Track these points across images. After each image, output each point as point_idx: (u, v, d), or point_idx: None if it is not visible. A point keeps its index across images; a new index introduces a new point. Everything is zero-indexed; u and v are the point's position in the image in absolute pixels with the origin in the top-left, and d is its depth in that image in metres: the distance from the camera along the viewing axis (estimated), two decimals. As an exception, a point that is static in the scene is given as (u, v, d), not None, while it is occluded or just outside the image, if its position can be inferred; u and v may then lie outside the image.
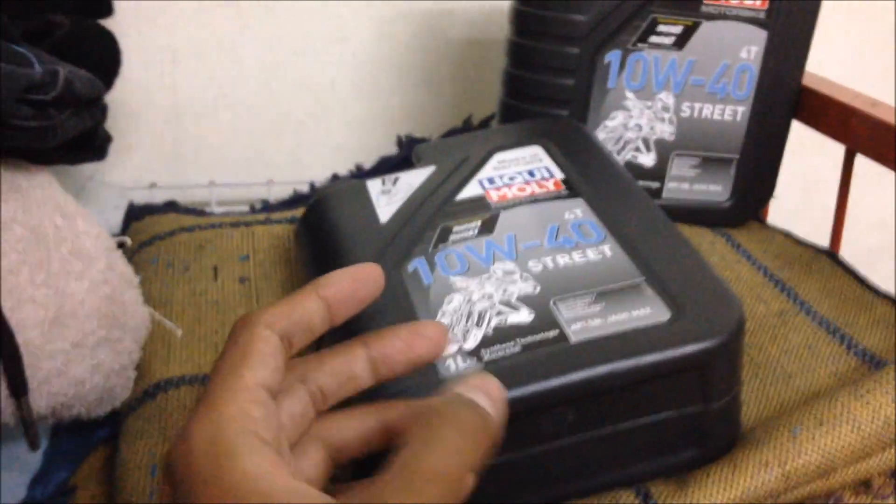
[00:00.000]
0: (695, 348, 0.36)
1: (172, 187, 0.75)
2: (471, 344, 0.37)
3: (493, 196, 0.46)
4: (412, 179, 0.49)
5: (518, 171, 0.49)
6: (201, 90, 0.77)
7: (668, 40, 0.60)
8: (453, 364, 0.36)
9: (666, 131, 0.62)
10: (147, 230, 0.62)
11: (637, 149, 0.62)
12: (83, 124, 0.51)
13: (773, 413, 0.45)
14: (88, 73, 0.52)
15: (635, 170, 0.63)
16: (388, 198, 0.48)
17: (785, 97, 0.62)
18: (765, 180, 0.64)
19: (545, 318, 0.38)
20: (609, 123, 0.62)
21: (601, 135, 0.62)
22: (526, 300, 0.39)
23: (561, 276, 0.40)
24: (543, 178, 0.48)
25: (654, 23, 0.59)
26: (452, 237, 0.44)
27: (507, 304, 0.39)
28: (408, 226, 0.45)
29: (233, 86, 0.78)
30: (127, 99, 0.75)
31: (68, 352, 0.41)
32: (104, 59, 0.62)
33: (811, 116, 0.62)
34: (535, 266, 0.41)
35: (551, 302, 0.39)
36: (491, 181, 0.48)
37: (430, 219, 0.45)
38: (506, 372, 0.33)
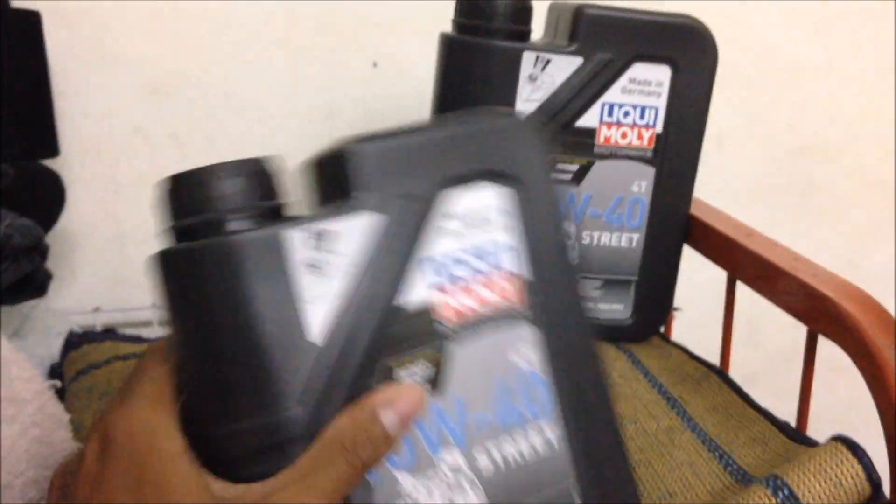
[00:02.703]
0: None
1: (116, 310, 0.79)
2: None
3: (442, 308, 0.37)
4: (346, 242, 0.36)
5: (471, 247, 0.39)
6: (143, 218, 0.81)
7: (567, 177, 0.66)
8: None
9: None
10: (83, 359, 0.65)
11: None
12: (22, 270, 0.55)
13: (656, 530, 0.49)
14: (28, 221, 0.56)
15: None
16: (320, 283, 0.36)
17: (674, 225, 0.68)
18: (662, 299, 0.70)
19: None
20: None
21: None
22: None
23: (506, 484, 0.37)
24: (502, 273, 0.39)
25: (553, 161, 0.65)
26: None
27: None
28: (342, 354, 0.35)
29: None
30: (71, 228, 0.80)
31: (-4, 496, 0.44)
32: (48, 202, 0.67)
33: (698, 243, 0.68)
34: (485, 465, 0.37)
35: None
36: (438, 269, 0.38)
37: (368, 345, 0.36)
38: None
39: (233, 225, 0.35)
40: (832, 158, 1.05)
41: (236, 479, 0.33)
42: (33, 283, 0.59)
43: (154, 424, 0.33)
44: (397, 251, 0.37)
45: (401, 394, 0.34)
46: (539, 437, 0.38)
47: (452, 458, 0.36)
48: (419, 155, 0.39)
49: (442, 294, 0.37)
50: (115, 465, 0.33)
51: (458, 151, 0.39)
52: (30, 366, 0.52)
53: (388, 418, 0.33)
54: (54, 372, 0.66)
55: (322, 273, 0.35)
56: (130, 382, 0.36)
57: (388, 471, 0.35)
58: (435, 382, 0.37)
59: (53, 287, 0.74)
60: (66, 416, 0.52)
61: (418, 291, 0.37)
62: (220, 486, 0.33)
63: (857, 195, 1.07)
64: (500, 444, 0.37)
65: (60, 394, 0.59)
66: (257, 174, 0.37)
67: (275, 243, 0.35)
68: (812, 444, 0.53)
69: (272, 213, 0.37)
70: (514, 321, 0.39)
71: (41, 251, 0.59)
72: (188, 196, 0.36)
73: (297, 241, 0.35)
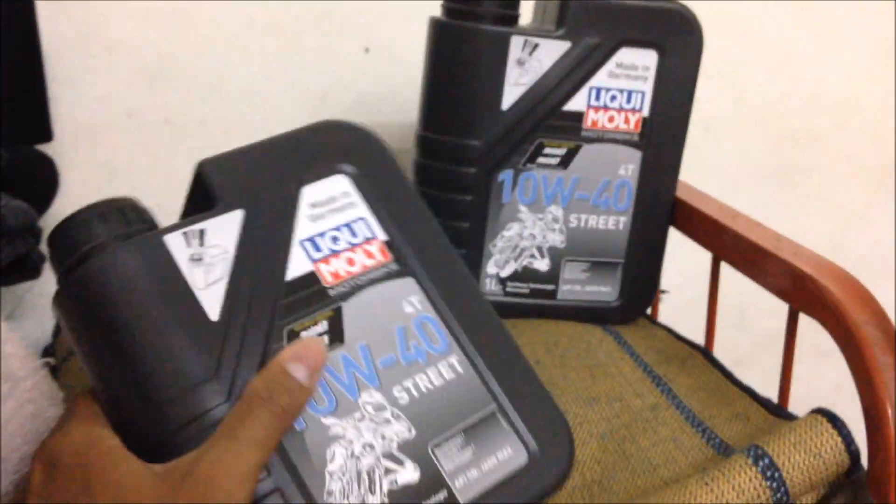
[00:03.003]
0: (551, 486, 0.42)
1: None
2: None
3: (326, 275, 0.43)
4: (222, 236, 0.42)
5: (337, 225, 0.45)
6: (136, 203, 0.82)
7: (554, 161, 0.67)
8: None
9: (557, 240, 0.69)
10: (79, 340, 0.66)
11: (532, 255, 0.69)
12: (16, 252, 0.56)
13: (641, 500, 0.50)
14: (22, 204, 0.57)
15: (532, 274, 0.69)
16: (204, 272, 0.40)
17: (661, 208, 0.69)
18: (648, 281, 0.71)
19: (430, 474, 0.40)
20: (506, 233, 0.68)
21: (499, 244, 0.68)
22: (406, 449, 0.40)
23: (427, 410, 0.41)
24: (367, 240, 0.45)
25: (541, 146, 0.66)
26: None
27: (391, 457, 0.40)
28: (246, 327, 0.40)
29: (167, 198, 0.83)
30: (65, 212, 0.80)
31: (-8, 469, 0.45)
32: (42, 185, 0.68)
33: (684, 225, 0.69)
34: (401, 396, 0.41)
35: (429, 448, 0.41)
36: (315, 246, 0.44)
37: (269, 316, 0.41)
38: None
39: (117, 244, 0.40)
40: (819, 144, 1.06)
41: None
42: (28, 264, 0.60)
43: (90, 434, 0.37)
44: (273, 237, 0.43)
45: (306, 347, 0.38)
46: (445, 367, 0.43)
47: (371, 397, 0.41)
48: (272, 159, 0.46)
49: (325, 265, 0.43)
50: (61, 477, 0.36)
51: (307, 154, 0.47)
52: (24, 344, 0.53)
53: (299, 371, 0.37)
54: (47, 353, 0.67)
55: (206, 264, 0.41)
56: (63, 417, 0.40)
57: (315, 418, 0.39)
58: (337, 335, 0.42)
59: (48, 271, 0.75)
60: (61, 394, 0.53)
61: (303, 266, 0.43)
62: (159, 467, 0.35)
63: (843, 181, 1.08)
64: (413, 379, 0.42)
65: (53, 373, 0.60)
66: (126, 206, 0.43)
67: (158, 244, 0.40)
68: (793, 419, 0.54)
69: (149, 230, 0.42)
70: (391, 275, 0.45)
71: (35, 233, 0.60)
72: (70, 238, 0.41)
73: (177, 241, 0.41)
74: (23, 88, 0.74)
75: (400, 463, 0.40)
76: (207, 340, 0.39)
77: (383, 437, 0.40)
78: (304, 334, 0.41)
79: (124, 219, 0.42)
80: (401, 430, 0.40)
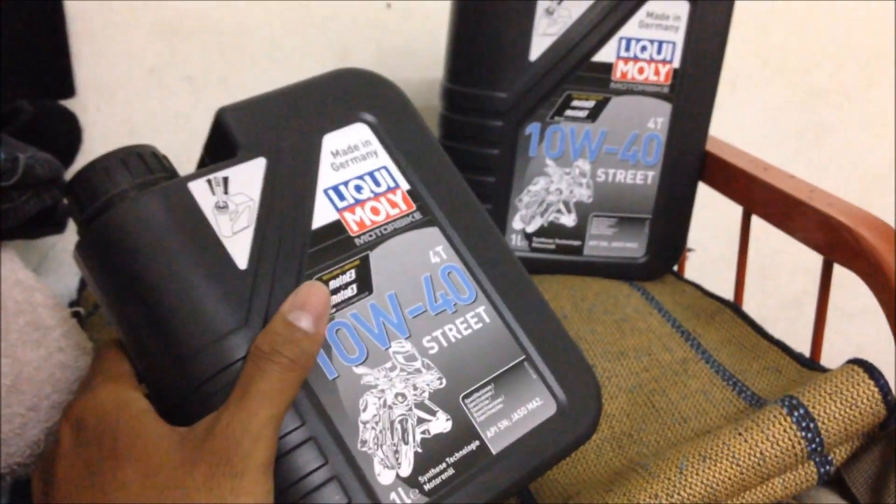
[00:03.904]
0: (581, 436, 0.42)
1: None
2: (405, 469, 0.38)
3: (351, 224, 0.42)
4: (245, 184, 0.41)
5: (359, 174, 0.44)
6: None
7: (582, 114, 0.66)
8: (398, 498, 0.37)
9: (584, 195, 0.68)
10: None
11: (559, 211, 0.68)
12: (43, 203, 0.56)
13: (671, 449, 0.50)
14: (49, 156, 0.57)
15: (558, 230, 0.68)
16: (230, 219, 0.40)
17: (690, 162, 0.68)
18: (676, 237, 0.70)
19: (462, 425, 0.40)
20: (532, 188, 0.67)
21: (525, 199, 0.67)
22: (437, 399, 0.40)
23: (457, 360, 0.41)
24: (390, 189, 0.44)
25: (569, 98, 0.65)
26: (334, 297, 0.40)
27: (423, 406, 0.39)
28: (275, 276, 0.39)
29: (188, 154, 0.83)
30: (87, 169, 0.80)
31: (24, 415, 0.45)
32: (66, 139, 0.67)
33: (713, 179, 0.68)
34: (430, 346, 0.41)
35: (460, 398, 0.40)
36: (339, 195, 0.43)
37: (297, 265, 0.40)
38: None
39: (139, 192, 0.40)
40: (845, 102, 1.04)
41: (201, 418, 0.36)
42: (53, 217, 0.59)
43: (119, 396, 0.37)
44: (297, 186, 0.42)
45: (306, 293, 0.37)
46: (473, 316, 0.43)
47: (402, 347, 0.40)
48: (292, 107, 0.44)
49: (350, 214, 0.43)
50: (88, 439, 0.36)
51: (324, 102, 0.45)
52: (53, 294, 0.53)
53: (302, 319, 0.36)
54: (73, 307, 0.67)
55: (231, 212, 0.40)
56: (91, 373, 0.40)
57: (347, 368, 0.39)
58: (365, 285, 0.41)
59: (72, 227, 0.75)
60: (90, 344, 0.53)
61: (328, 215, 0.42)
62: (184, 430, 0.35)
63: (869, 139, 1.06)
64: (442, 329, 0.42)
65: (81, 324, 0.60)
66: (146, 153, 0.42)
67: (183, 191, 0.39)
68: (827, 371, 0.53)
69: (170, 178, 0.41)
70: (416, 225, 0.44)
71: (61, 186, 0.60)
72: (91, 185, 0.40)
73: (201, 188, 0.40)
74: (46, 43, 0.73)
75: (432, 413, 0.39)
76: (236, 289, 0.38)
77: (415, 388, 0.40)
78: (332, 283, 0.40)
79: (145, 166, 0.41)
80: (431, 380, 0.40)
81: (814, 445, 0.46)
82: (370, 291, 0.41)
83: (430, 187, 0.45)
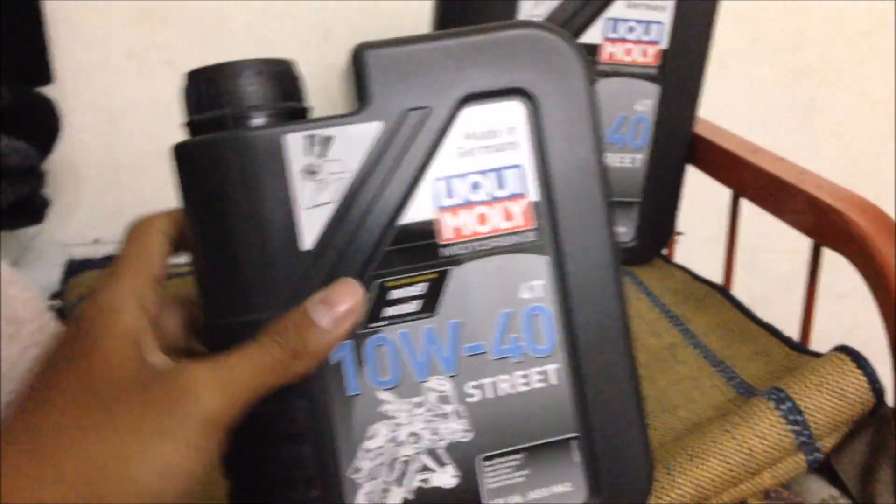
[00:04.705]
0: None
1: (115, 242, 0.78)
2: None
3: (446, 229, 0.36)
4: (349, 151, 0.35)
5: (484, 169, 0.36)
6: (138, 148, 0.80)
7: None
8: None
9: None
10: (85, 284, 0.65)
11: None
12: (19, 192, 0.55)
13: (658, 442, 0.50)
14: (24, 144, 0.56)
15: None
16: (315, 189, 0.35)
17: (678, 145, 0.67)
18: (665, 221, 0.70)
19: (467, 486, 0.36)
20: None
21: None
22: (454, 451, 0.36)
23: (496, 416, 0.36)
24: (513, 196, 0.36)
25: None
26: (389, 309, 0.35)
27: (433, 455, 0.36)
28: (336, 267, 0.35)
29: (169, 141, 0.82)
30: (68, 158, 0.79)
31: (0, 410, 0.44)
32: (45, 127, 0.66)
33: (702, 162, 0.67)
34: (472, 393, 0.36)
35: (479, 458, 0.36)
36: (449, 189, 0.36)
37: (365, 260, 0.35)
38: None
39: (248, 122, 0.35)
40: (835, 79, 1.03)
41: None
42: (31, 207, 0.58)
43: (118, 304, 0.34)
44: (404, 166, 0.36)
45: (337, 291, 0.34)
46: (539, 373, 0.37)
47: (440, 384, 0.36)
48: (439, 64, 0.36)
49: (451, 216, 0.36)
50: (70, 342, 0.34)
51: (482, 64, 0.36)
52: (29, 286, 0.52)
53: (321, 314, 0.34)
54: (54, 299, 0.66)
55: (320, 180, 0.35)
56: (119, 258, 0.36)
57: (371, 389, 0.35)
58: (429, 304, 0.36)
59: (53, 218, 0.74)
60: (69, 337, 0.52)
61: (425, 211, 0.36)
62: (160, 360, 0.33)
63: (859, 116, 1.05)
64: (494, 378, 0.36)
65: (62, 316, 0.59)
66: (278, 75, 0.37)
67: (274, 145, 0.34)
68: (816, 356, 0.53)
69: (290, 114, 0.37)
70: (523, 248, 0.36)
71: (37, 174, 0.59)
72: (206, 91, 0.36)
73: (297, 145, 0.34)
74: (22, 28, 0.72)
75: (441, 464, 0.36)
76: (289, 267, 0.34)
77: (435, 433, 0.36)
78: (394, 293, 0.35)
79: (275, 90, 0.36)
80: (457, 429, 0.36)
81: (802, 438, 0.45)
82: (433, 314, 0.36)
83: (564, 204, 0.37)
